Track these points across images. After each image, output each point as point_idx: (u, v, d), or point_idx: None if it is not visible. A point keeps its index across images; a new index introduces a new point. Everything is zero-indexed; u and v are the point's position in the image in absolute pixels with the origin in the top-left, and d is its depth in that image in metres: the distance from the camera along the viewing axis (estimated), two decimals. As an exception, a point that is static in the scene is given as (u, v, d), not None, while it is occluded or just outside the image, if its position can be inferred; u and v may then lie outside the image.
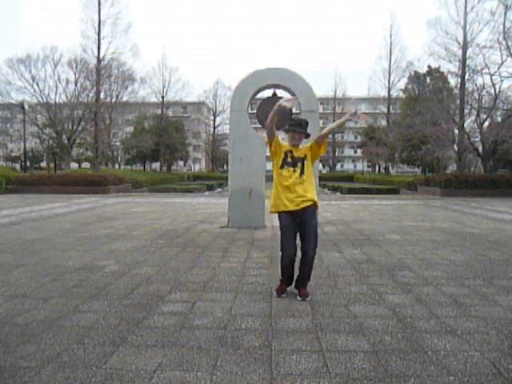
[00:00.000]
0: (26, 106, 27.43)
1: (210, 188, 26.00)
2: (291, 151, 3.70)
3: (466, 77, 23.60)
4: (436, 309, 3.37)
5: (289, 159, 3.69)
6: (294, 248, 3.58)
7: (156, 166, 47.88)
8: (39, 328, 2.92)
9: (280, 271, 3.74)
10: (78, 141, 31.61)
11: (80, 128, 28.85)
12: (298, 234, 3.62)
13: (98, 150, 27.98)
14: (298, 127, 3.70)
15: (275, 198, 3.69)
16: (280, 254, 3.66)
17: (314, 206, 3.64)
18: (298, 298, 3.60)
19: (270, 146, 3.76)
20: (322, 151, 3.81)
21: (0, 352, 2.54)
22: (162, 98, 40.29)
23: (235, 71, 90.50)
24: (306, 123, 3.77)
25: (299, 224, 3.61)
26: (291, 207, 3.57)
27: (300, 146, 3.76)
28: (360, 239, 6.73)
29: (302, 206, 3.56)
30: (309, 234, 3.59)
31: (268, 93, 8.40)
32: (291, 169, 3.66)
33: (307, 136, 3.79)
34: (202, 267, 4.73)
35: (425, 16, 64.84)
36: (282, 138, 3.87)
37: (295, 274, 3.73)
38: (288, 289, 3.74)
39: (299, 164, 3.67)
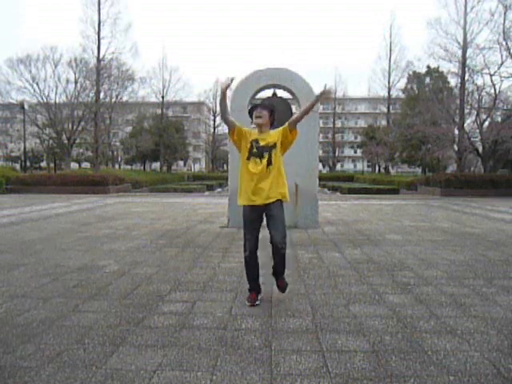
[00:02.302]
0: (26, 106, 27.40)
1: (210, 188, 26.00)
2: (257, 140, 3.42)
3: (466, 77, 23.63)
4: (436, 309, 3.37)
5: (254, 150, 3.40)
6: (255, 245, 3.42)
7: (156, 165, 47.91)
8: (39, 328, 2.92)
9: (246, 276, 3.55)
10: (78, 141, 31.62)
11: (80, 128, 28.84)
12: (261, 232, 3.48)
13: (98, 150, 28.03)
14: (259, 106, 3.46)
15: (241, 190, 3.46)
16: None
17: (281, 200, 3.40)
18: (277, 289, 3.53)
19: (232, 136, 3.53)
20: (292, 137, 3.47)
21: (0, 352, 2.54)
22: (162, 97, 40.34)
23: (235, 71, 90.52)
24: (272, 104, 3.49)
25: (266, 217, 3.40)
26: (257, 201, 3.35)
27: (270, 132, 3.48)
28: (360, 239, 6.73)
29: (268, 201, 3.34)
30: (276, 223, 3.34)
31: (268, 93, 8.40)
32: (258, 160, 3.37)
33: (273, 117, 3.50)
34: (202, 267, 4.73)
35: (425, 16, 64.80)
36: (253, 127, 3.64)
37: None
38: (260, 297, 3.52)
39: (266, 154, 3.37)
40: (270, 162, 3.38)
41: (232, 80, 3.40)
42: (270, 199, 3.35)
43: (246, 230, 3.49)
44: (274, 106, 3.51)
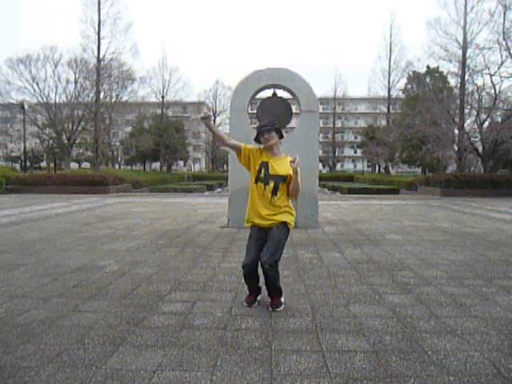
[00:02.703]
0: (26, 106, 27.40)
1: (210, 188, 26.00)
2: (267, 164, 3.24)
3: (466, 77, 23.64)
4: (436, 309, 3.37)
5: (262, 175, 3.23)
6: (253, 258, 3.25)
7: (156, 165, 47.92)
8: (39, 328, 2.92)
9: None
10: (78, 141, 31.62)
11: (80, 128, 28.87)
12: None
13: (98, 150, 28.03)
14: (263, 127, 3.26)
15: (249, 209, 3.35)
16: None
17: (284, 224, 3.27)
18: (269, 308, 3.34)
19: (240, 161, 3.35)
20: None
21: (0, 352, 2.54)
22: (162, 97, 40.33)
23: (235, 71, 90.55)
24: (273, 122, 3.34)
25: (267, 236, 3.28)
26: (262, 224, 3.26)
27: (283, 159, 3.29)
28: (360, 239, 6.73)
29: (270, 223, 3.24)
30: (269, 243, 3.21)
31: (268, 93, 8.40)
32: (262, 186, 3.22)
33: (280, 133, 3.33)
34: (202, 267, 4.73)
35: (425, 16, 64.82)
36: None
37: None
38: (259, 298, 3.49)
39: (271, 183, 3.20)
40: (275, 193, 3.21)
41: (208, 109, 3.28)
42: (273, 222, 3.25)
43: (248, 243, 3.38)
44: (278, 126, 3.34)
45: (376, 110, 49.41)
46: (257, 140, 3.37)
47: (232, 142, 3.40)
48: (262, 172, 3.23)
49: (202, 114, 3.27)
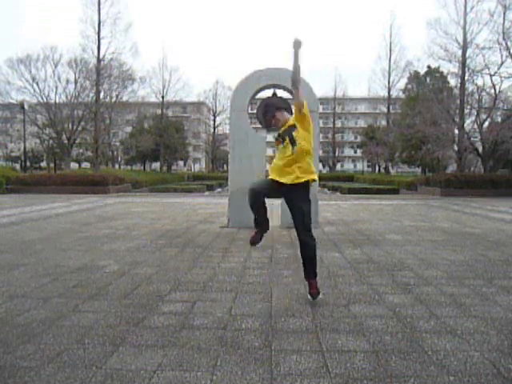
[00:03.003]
0: (26, 106, 27.41)
1: (210, 188, 26.02)
2: (278, 133, 3.50)
3: (466, 77, 23.63)
4: (436, 309, 3.37)
5: (278, 138, 3.48)
6: (258, 188, 3.38)
7: (156, 165, 47.92)
8: (39, 328, 2.92)
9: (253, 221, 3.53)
10: (78, 141, 31.62)
11: (80, 128, 28.88)
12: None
13: (98, 150, 28.03)
14: (267, 113, 3.53)
15: (272, 168, 3.50)
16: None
17: (308, 182, 3.39)
18: (308, 297, 3.46)
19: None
20: (300, 113, 3.39)
21: (0, 352, 2.54)
22: (162, 97, 40.34)
23: (235, 71, 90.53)
24: (274, 99, 3.57)
25: (288, 202, 3.46)
26: (282, 180, 3.35)
27: (288, 121, 3.51)
28: (360, 239, 6.73)
29: (295, 181, 3.34)
30: (298, 210, 3.36)
31: (268, 93, 8.39)
32: (281, 147, 3.42)
33: (281, 107, 3.56)
34: (201, 267, 4.73)
35: (425, 16, 64.83)
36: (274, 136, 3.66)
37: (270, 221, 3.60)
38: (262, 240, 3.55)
39: (287, 138, 3.38)
40: (293, 143, 3.33)
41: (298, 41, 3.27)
42: (296, 180, 3.33)
43: (257, 183, 3.52)
44: (278, 102, 3.59)
45: (376, 110, 49.42)
46: (264, 123, 3.64)
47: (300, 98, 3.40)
48: (277, 137, 3.46)
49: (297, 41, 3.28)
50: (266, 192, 3.43)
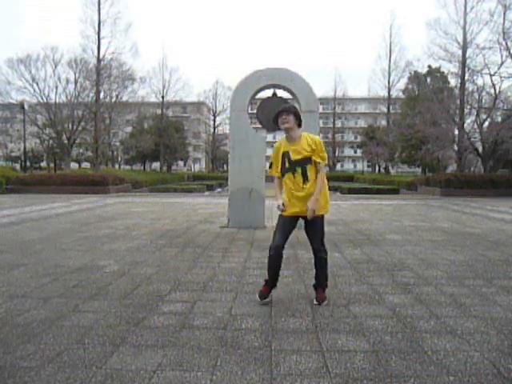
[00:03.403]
0: (26, 106, 27.40)
1: (210, 188, 26.02)
2: (288, 153, 3.29)
3: (466, 77, 23.62)
4: (436, 309, 3.37)
5: (287, 165, 3.29)
6: (281, 241, 3.32)
7: (156, 165, 47.91)
8: (39, 328, 2.92)
9: (267, 269, 3.47)
10: (78, 141, 31.61)
11: (80, 128, 28.86)
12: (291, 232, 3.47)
13: (98, 150, 28.02)
14: (283, 108, 3.29)
15: (287, 198, 3.39)
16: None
17: (322, 216, 3.41)
18: (314, 301, 3.46)
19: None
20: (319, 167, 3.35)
21: (0, 352, 2.54)
22: (162, 97, 40.32)
23: (235, 71, 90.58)
24: (294, 107, 3.36)
25: (305, 224, 3.42)
26: (293, 210, 3.33)
27: (301, 141, 3.28)
28: (360, 239, 6.73)
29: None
30: (316, 229, 3.41)
31: (268, 93, 8.40)
32: (291, 175, 3.29)
33: (299, 120, 3.33)
34: (201, 267, 4.73)
35: (425, 16, 64.84)
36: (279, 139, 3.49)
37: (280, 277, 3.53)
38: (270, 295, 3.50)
39: (299, 169, 3.25)
40: (305, 178, 3.26)
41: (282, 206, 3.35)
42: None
43: (274, 232, 3.43)
44: (298, 111, 3.35)
45: (376, 110, 49.41)
46: (275, 121, 3.41)
47: (279, 181, 3.46)
48: (287, 162, 3.29)
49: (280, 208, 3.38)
50: (284, 243, 3.36)
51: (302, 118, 3.42)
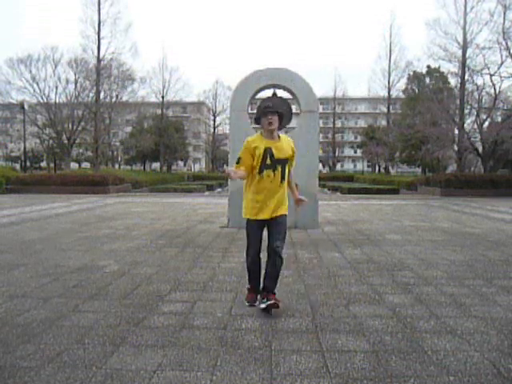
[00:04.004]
0: (26, 106, 27.39)
1: (210, 188, 25.99)
2: (271, 149, 3.17)
3: (466, 77, 23.62)
4: (436, 309, 3.37)
5: (268, 161, 3.16)
6: (258, 248, 3.30)
7: (156, 165, 47.91)
8: (39, 328, 2.92)
9: (247, 277, 3.45)
10: (77, 141, 31.61)
11: (80, 128, 28.87)
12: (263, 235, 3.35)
13: (98, 149, 28.01)
14: (268, 108, 3.16)
15: (247, 203, 3.32)
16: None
17: (286, 214, 3.31)
18: (262, 305, 3.20)
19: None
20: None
21: (0, 352, 2.54)
22: (162, 97, 40.31)
23: (235, 71, 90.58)
24: (279, 107, 3.24)
25: (268, 226, 3.28)
26: (264, 216, 3.22)
27: (283, 141, 3.25)
28: (360, 239, 6.73)
29: (274, 214, 3.23)
30: (277, 232, 3.23)
31: (268, 93, 8.39)
32: (271, 173, 3.17)
33: (281, 119, 3.23)
34: (201, 267, 4.73)
35: (424, 16, 64.84)
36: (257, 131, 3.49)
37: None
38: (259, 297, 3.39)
39: (279, 167, 3.19)
40: (283, 177, 3.23)
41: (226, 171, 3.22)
42: (276, 213, 3.24)
43: (249, 239, 3.35)
44: (283, 110, 3.28)
45: (376, 110, 49.38)
46: (257, 121, 3.31)
47: (245, 172, 3.24)
48: (268, 158, 3.16)
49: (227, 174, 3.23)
50: (260, 248, 3.31)
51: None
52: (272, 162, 3.18)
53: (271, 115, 3.16)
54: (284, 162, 3.24)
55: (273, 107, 3.20)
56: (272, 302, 3.14)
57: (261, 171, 3.19)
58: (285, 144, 3.28)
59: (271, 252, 3.22)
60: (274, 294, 3.26)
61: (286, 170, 3.27)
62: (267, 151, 3.17)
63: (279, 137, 3.30)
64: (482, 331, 2.91)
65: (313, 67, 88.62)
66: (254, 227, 3.32)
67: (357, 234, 7.32)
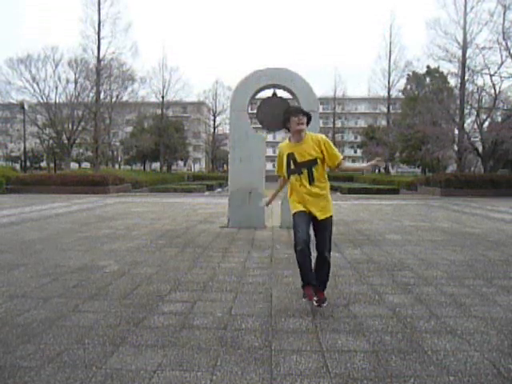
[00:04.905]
0: (26, 106, 27.39)
1: (210, 188, 26.01)
2: (293, 154, 3.23)
3: (466, 77, 23.62)
4: (436, 309, 3.37)
5: (292, 166, 3.25)
6: (306, 236, 3.12)
7: (156, 166, 47.90)
8: (39, 328, 2.92)
9: (299, 269, 3.27)
10: (78, 141, 31.61)
11: (80, 128, 28.87)
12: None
13: (98, 150, 28.00)
14: (298, 110, 3.22)
15: (293, 198, 3.32)
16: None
17: (328, 217, 3.31)
18: (314, 302, 3.34)
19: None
20: (333, 165, 3.29)
21: (0, 352, 2.54)
22: (162, 97, 40.29)
23: (235, 71, 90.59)
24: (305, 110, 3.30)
25: (314, 225, 3.30)
26: (311, 210, 3.23)
27: (308, 142, 3.21)
28: (360, 239, 6.73)
29: (320, 216, 3.25)
30: (325, 231, 3.28)
31: (268, 93, 8.40)
32: (298, 177, 3.24)
33: (309, 118, 3.26)
34: (201, 267, 4.73)
35: (424, 16, 64.83)
36: (283, 137, 3.64)
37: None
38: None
39: (305, 170, 3.21)
40: (311, 179, 3.21)
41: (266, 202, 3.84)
42: (320, 216, 3.25)
43: (296, 226, 3.22)
44: (308, 113, 3.29)
45: (376, 110, 49.39)
46: (284, 124, 3.32)
47: (284, 182, 3.56)
48: (292, 164, 3.25)
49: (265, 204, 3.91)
50: (309, 236, 3.19)
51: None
52: (296, 167, 3.26)
53: (302, 116, 3.21)
54: (309, 164, 3.22)
55: (301, 109, 3.30)
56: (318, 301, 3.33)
57: (289, 176, 3.35)
58: (308, 145, 3.24)
59: (319, 254, 3.35)
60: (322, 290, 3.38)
61: (315, 172, 3.23)
62: (289, 157, 3.27)
63: (305, 136, 3.28)
64: (482, 331, 2.91)
65: (313, 67, 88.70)
66: (297, 216, 3.25)
67: (357, 233, 7.32)
